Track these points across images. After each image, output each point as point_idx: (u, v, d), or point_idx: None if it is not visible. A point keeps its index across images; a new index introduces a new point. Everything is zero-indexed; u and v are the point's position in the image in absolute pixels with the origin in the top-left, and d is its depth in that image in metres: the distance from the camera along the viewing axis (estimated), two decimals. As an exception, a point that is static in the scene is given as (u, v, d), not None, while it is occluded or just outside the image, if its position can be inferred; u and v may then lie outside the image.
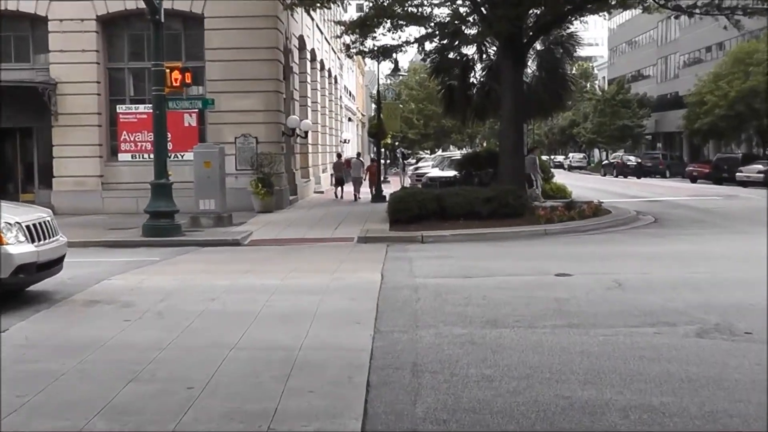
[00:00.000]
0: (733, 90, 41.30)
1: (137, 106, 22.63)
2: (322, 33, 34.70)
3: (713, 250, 13.07)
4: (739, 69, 42.09)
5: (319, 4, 22.80)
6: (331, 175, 32.63)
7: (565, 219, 16.89)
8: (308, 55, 30.74)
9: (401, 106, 54.31)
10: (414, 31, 23.15)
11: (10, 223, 8.28)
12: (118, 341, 6.87)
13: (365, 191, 28.65)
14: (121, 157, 22.73)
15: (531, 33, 20.91)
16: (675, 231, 16.31)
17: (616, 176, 50.96)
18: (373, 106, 39.31)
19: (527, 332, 6.96)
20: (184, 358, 6.26)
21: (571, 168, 67.05)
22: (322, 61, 35.01)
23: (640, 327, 7.07)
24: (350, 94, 55.21)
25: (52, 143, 22.27)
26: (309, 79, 31.09)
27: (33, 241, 8.52)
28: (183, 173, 19.45)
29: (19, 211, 9.03)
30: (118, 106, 22.72)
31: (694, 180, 41.67)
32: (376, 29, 21.40)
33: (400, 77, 61.36)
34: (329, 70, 38.48)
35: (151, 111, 17.42)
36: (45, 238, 8.79)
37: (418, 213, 16.71)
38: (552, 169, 32.00)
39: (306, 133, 27.52)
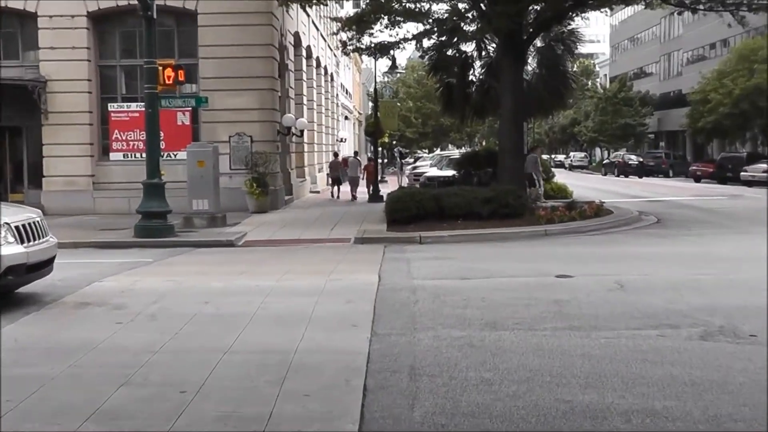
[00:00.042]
0: (737, 88, 41.12)
1: (129, 104, 22.48)
2: (318, 29, 34.61)
3: (717, 251, 13.02)
4: (744, 66, 41.87)
5: (315, 0, 22.69)
6: (328, 174, 32.54)
7: (565, 219, 16.81)
8: (304, 53, 30.66)
9: (399, 104, 54.31)
10: (412, 28, 23.17)
11: (-2, 224, 8.18)
12: (109, 344, 6.83)
13: (362, 191, 28.57)
14: (113, 156, 22.57)
15: (531, 29, 20.81)
16: (678, 231, 16.24)
17: (617, 176, 50.83)
18: (371, 104, 39.32)
19: (527, 335, 6.91)
20: (177, 362, 6.24)
21: (572, 167, 66.95)
22: (318, 58, 34.93)
23: (643, 329, 7.03)
24: (347, 92, 55.15)
25: (42, 142, 22.07)
26: (305, 76, 31.01)
27: (22, 242, 8.44)
28: (176, 173, 19.29)
29: (8, 211, 8.92)
30: (109, 105, 22.56)
31: (697, 180, 41.47)
32: (373, 26, 21.34)
33: (398, 75, 61.38)
34: (325, 68, 38.39)
35: (143, 109, 17.31)
36: (35, 239, 8.71)
37: (416, 213, 16.63)
38: (553, 169, 31.93)
39: (302, 131, 27.41)
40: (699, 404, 4.98)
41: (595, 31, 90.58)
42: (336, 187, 29.36)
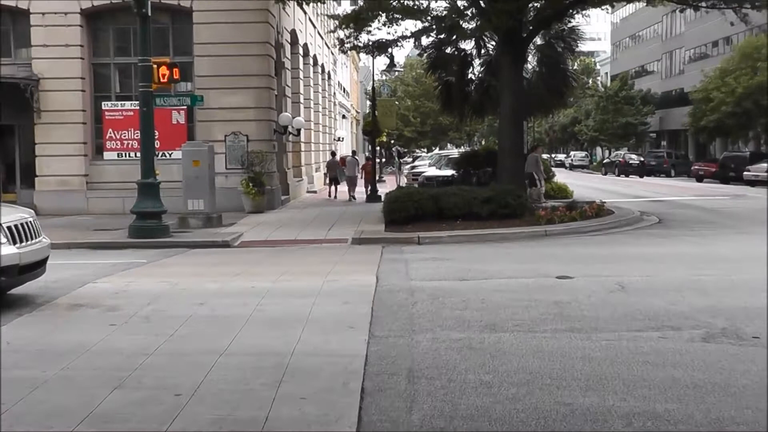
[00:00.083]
0: (740, 86, 41.04)
1: (123, 102, 22.36)
2: (315, 27, 34.54)
3: (720, 251, 12.97)
4: (747, 64, 41.77)
5: (312, -4, 22.60)
6: (325, 174, 32.48)
7: (566, 219, 16.74)
8: (300, 50, 30.56)
9: (397, 103, 54.26)
10: (410, 25, 23.12)
11: (-9, 224, 8.11)
12: (103, 347, 6.78)
13: (360, 191, 28.51)
14: (107, 155, 22.43)
15: (531, 27, 20.73)
16: (680, 232, 16.18)
17: (618, 175, 50.66)
18: (368, 102, 39.26)
19: (527, 337, 6.88)
20: (172, 364, 6.20)
21: (572, 167, 66.87)
22: (315, 56, 34.85)
23: (644, 331, 6.99)
24: (344, 91, 55.12)
25: (35, 141, 21.90)
26: (301, 75, 30.91)
27: (14, 242, 8.36)
28: (171, 172, 19.20)
29: (0, 211, 8.80)
30: (103, 103, 22.42)
31: (700, 179, 41.33)
32: (370, 23, 21.24)
33: (396, 73, 61.15)
34: (322, 66, 38.33)
35: (137, 108, 17.27)
36: (27, 240, 8.63)
37: (414, 213, 16.56)
38: (553, 168, 31.86)
39: (298, 130, 27.32)
40: (701, 407, 4.96)
41: (595, 29, 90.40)
42: (333, 187, 29.28)
